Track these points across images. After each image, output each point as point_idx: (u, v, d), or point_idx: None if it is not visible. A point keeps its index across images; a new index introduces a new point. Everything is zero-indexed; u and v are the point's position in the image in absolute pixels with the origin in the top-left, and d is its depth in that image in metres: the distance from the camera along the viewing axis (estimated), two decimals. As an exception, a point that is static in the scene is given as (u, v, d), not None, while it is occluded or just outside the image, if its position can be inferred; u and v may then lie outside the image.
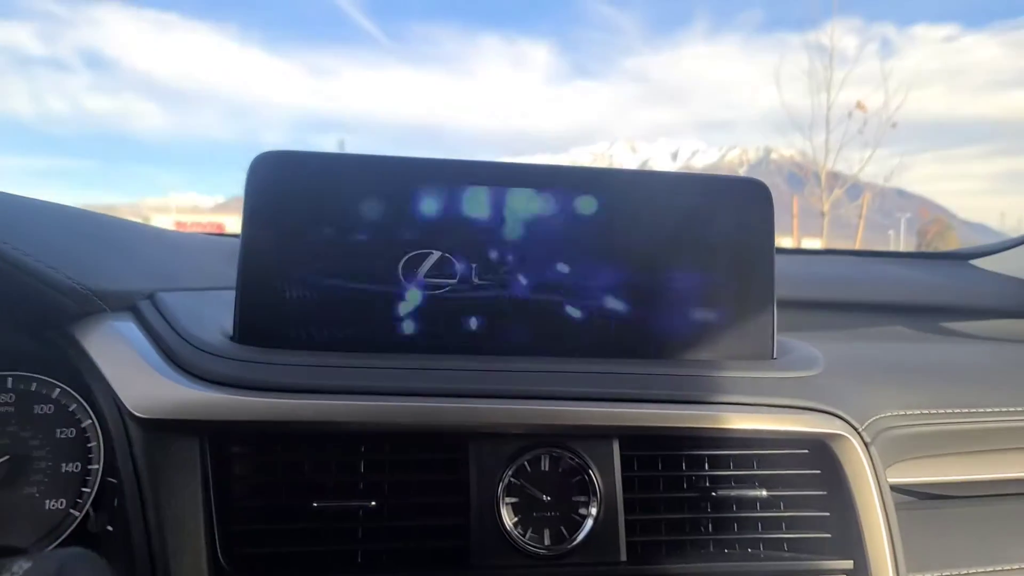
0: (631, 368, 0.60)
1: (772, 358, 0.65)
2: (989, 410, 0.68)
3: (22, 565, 0.34)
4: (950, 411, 0.67)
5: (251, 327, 0.59)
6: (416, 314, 0.61)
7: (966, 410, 0.68)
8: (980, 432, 0.68)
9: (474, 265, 0.62)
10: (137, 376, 0.53)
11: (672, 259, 0.64)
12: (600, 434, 0.57)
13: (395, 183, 0.61)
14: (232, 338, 0.59)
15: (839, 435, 0.58)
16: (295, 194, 0.60)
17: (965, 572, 0.63)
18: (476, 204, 0.62)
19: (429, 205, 0.62)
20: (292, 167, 0.60)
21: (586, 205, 0.63)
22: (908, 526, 0.60)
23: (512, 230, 0.62)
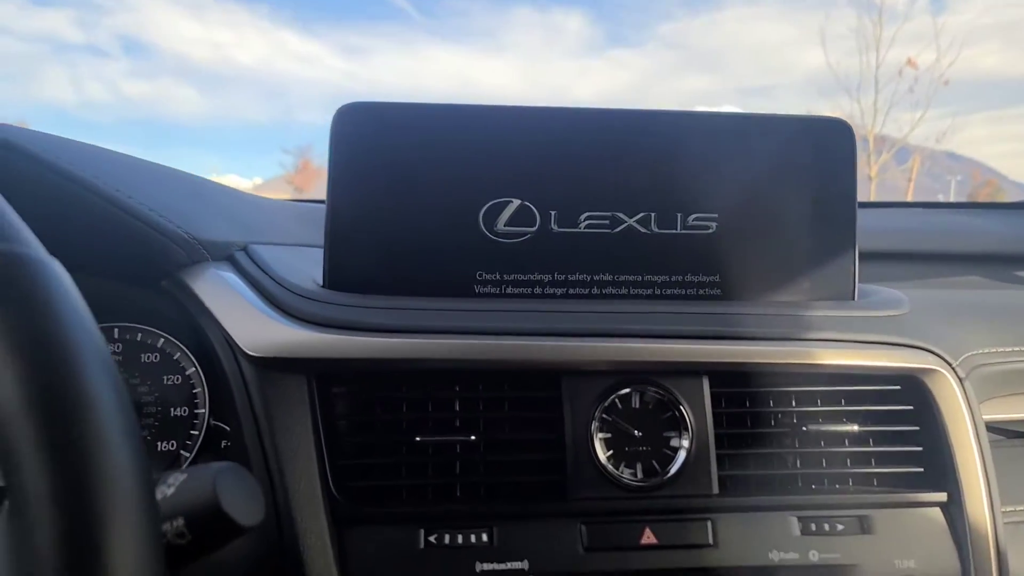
0: (717, 308, 0.60)
1: (853, 300, 0.65)
2: None
3: (178, 477, 0.36)
4: None
5: (340, 274, 0.61)
6: (497, 262, 0.62)
7: None
8: None
9: (553, 212, 0.62)
10: (246, 318, 0.55)
11: (753, 200, 0.64)
12: (690, 370, 0.58)
13: (474, 132, 0.62)
14: (322, 286, 0.61)
15: (933, 370, 0.58)
16: (378, 144, 0.61)
17: None
18: (554, 152, 0.63)
19: (508, 153, 0.62)
20: (373, 118, 0.61)
21: (666, 149, 0.63)
22: (998, 462, 0.60)
23: (591, 176, 0.63)
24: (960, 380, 0.59)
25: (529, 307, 0.59)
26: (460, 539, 0.54)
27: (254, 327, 0.55)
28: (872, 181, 10.75)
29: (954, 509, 0.58)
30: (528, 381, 0.58)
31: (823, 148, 0.65)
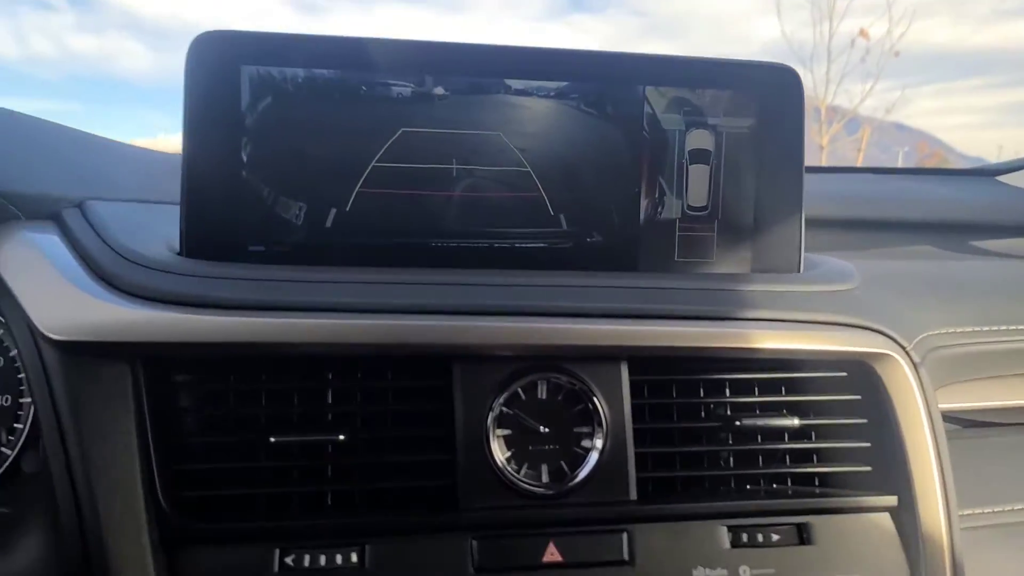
0: (639, 281, 0.52)
1: (798, 271, 0.58)
2: None
3: None
4: (1002, 328, 0.60)
5: (199, 238, 0.51)
6: (383, 223, 0.53)
7: (1019, 327, 0.60)
8: None
9: (452, 166, 0.54)
10: (53, 292, 0.44)
11: (684, 155, 0.56)
12: (606, 355, 0.49)
13: (360, 71, 0.52)
14: (179, 252, 0.51)
15: (885, 355, 0.50)
16: (244, 82, 0.51)
17: (1019, 507, 0.56)
18: (458, 98, 0.54)
19: (398, 98, 0.53)
20: (239, 50, 0.51)
21: (581, 93, 0.55)
22: (954, 458, 0.53)
23: (503, 125, 0.54)
24: (915, 366, 0.51)
25: (417, 278, 0.49)
26: (323, 560, 0.44)
27: (62, 303, 0.44)
28: (823, 151, 10.82)
29: (905, 515, 0.50)
30: (414, 368, 0.48)
31: (768, 99, 0.57)
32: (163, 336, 0.44)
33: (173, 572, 0.43)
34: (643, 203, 0.56)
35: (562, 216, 0.56)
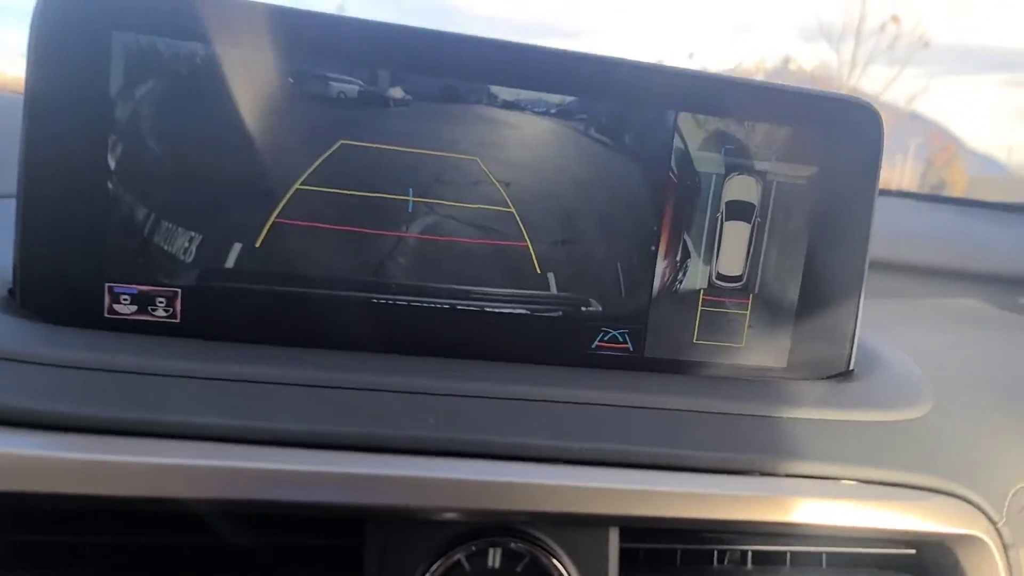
0: (640, 394, 0.38)
1: (848, 370, 0.45)
2: None
3: None
4: None
5: (42, 276, 0.36)
6: (305, 267, 0.39)
7: None
8: None
9: (408, 198, 0.39)
10: None
11: (719, 207, 0.43)
12: (588, 522, 0.35)
13: (286, 55, 0.37)
14: (14, 296, 0.36)
15: (970, 536, 0.37)
16: (116, 57, 0.35)
17: None
18: (422, 105, 0.39)
19: (339, 99, 0.38)
20: (111, 9, 0.35)
21: (592, 114, 0.41)
22: None
23: (482, 148, 0.40)
24: (1005, 548, 0.38)
25: (319, 377, 0.35)
26: None
27: None
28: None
29: None
30: (311, 527, 0.34)
31: (837, 144, 0.43)
32: None
33: None
34: (660, 266, 0.42)
35: (551, 275, 0.41)
